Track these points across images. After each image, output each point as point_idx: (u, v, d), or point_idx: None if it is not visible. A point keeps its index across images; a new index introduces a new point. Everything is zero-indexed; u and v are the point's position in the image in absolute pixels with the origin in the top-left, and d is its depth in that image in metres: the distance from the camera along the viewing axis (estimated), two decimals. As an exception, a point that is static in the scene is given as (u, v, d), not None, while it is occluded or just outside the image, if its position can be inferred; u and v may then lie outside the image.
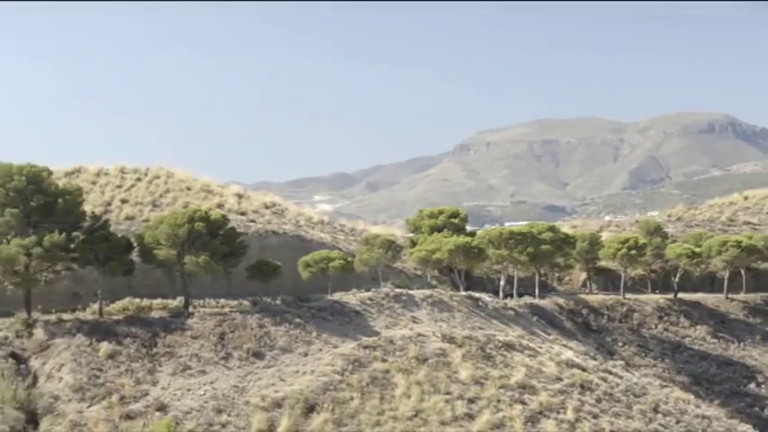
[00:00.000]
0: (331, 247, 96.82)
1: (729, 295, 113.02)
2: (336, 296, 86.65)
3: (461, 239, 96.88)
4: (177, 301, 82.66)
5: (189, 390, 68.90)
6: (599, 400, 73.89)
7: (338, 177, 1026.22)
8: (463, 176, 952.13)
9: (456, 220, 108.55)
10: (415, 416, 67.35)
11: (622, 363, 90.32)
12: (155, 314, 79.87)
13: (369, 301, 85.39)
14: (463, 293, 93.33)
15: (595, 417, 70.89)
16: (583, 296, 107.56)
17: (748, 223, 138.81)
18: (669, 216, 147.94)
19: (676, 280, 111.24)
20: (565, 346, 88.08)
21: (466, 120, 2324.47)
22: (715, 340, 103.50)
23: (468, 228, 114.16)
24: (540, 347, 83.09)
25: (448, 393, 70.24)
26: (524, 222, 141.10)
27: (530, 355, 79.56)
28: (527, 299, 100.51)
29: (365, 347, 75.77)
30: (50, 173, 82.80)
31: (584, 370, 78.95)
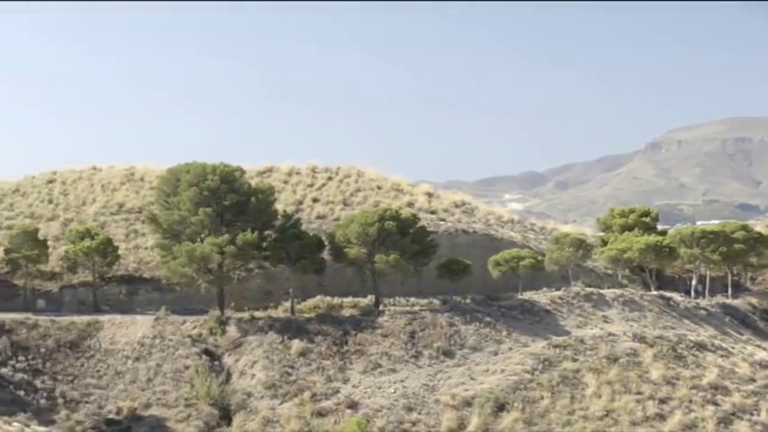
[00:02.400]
0: (521, 246, 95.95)
1: None
2: (526, 295, 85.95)
3: (652, 238, 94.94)
4: (368, 300, 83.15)
5: (379, 388, 69.07)
6: (794, 403, 71.28)
7: (528, 176, 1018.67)
8: (654, 175, 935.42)
9: (647, 219, 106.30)
10: (606, 416, 66.19)
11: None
12: (345, 312, 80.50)
13: (559, 301, 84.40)
14: (654, 293, 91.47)
15: (791, 419, 68.47)
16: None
17: None
18: None
19: None
20: (758, 346, 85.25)
21: (657, 118, 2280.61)
22: None
23: (659, 227, 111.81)
24: (733, 348, 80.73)
25: (639, 393, 68.78)
26: (716, 221, 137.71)
27: (722, 356, 77.32)
28: (719, 298, 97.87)
29: (555, 347, 74.86)
30: (243, 172, 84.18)
31: (778, 371, 76.34)
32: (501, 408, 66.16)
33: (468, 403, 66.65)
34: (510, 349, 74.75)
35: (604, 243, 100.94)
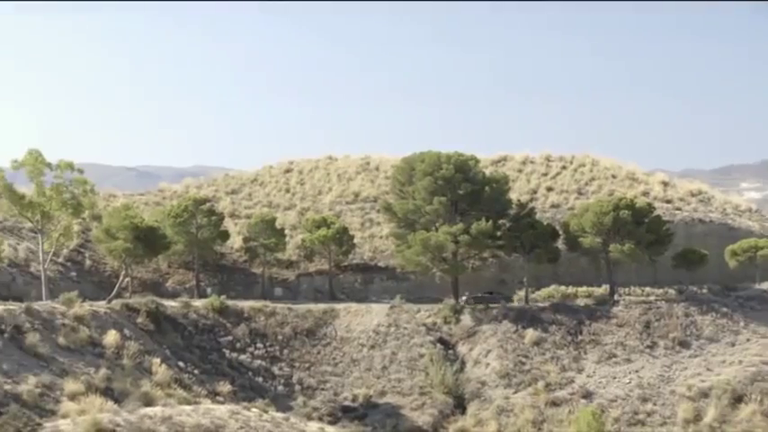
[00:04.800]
0: (759, 236, 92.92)
1: None
2: (765, 285, 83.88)
3: None
4: (602, 289, 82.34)
5: (614, 378, 68.37)
6: None
7: (767, 165, 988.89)
8: None
9: None
10: None
11: None
12: (580, 301, 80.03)
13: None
14: None
15: None
16: None
17: None
18: None
19: None
20: None
21: None
22: None
23: None
24: None
25: None
26: None
27: None
28: None
29: (795, 338, 72.88)
30: (477, 161, 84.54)
31: None
32: (738, 399, 64.60)
33: (704, 394, 65.35)
34: (748, 340, 73.04)
35: None
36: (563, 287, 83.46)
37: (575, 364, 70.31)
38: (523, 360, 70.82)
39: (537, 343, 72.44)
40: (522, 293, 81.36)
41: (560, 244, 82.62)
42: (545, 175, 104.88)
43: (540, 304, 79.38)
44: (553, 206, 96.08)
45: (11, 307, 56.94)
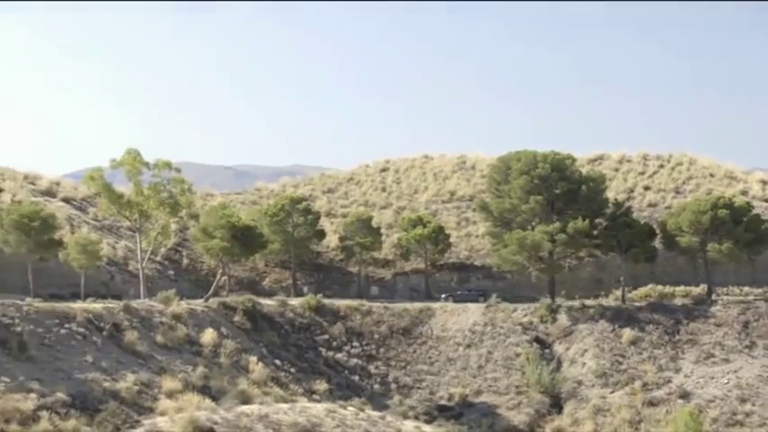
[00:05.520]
0: None
1: None
2: None
3: None
4: (700, 288, 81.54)
5: (712, 378, 67.73)
6: None
7: None
8: None
9: None
10: None
11: None
12: (677, 301, 79.36)
13: None
14: None
15: None
16: None
17: None
18: None
19: None
20: None
21: None
22: None
23: None
24: None
25: None
26: None
27: None
28: None
29: None
30: (574, 160, 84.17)
31: None
32: None
33: (810, 395, 64.58)
34: None
35: None
36: (660, 286, 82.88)
37: (672, 363, 69.83)
38: (620, 359, 70.57)
39: (634, 342, 72.09)
40: (618, 293, 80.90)
41: (657, 243, 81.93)
42: (642, 173, 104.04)
43: (637, 304, 78.90)
44: (650, 205, 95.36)
45: (110, 305, 58.30)
